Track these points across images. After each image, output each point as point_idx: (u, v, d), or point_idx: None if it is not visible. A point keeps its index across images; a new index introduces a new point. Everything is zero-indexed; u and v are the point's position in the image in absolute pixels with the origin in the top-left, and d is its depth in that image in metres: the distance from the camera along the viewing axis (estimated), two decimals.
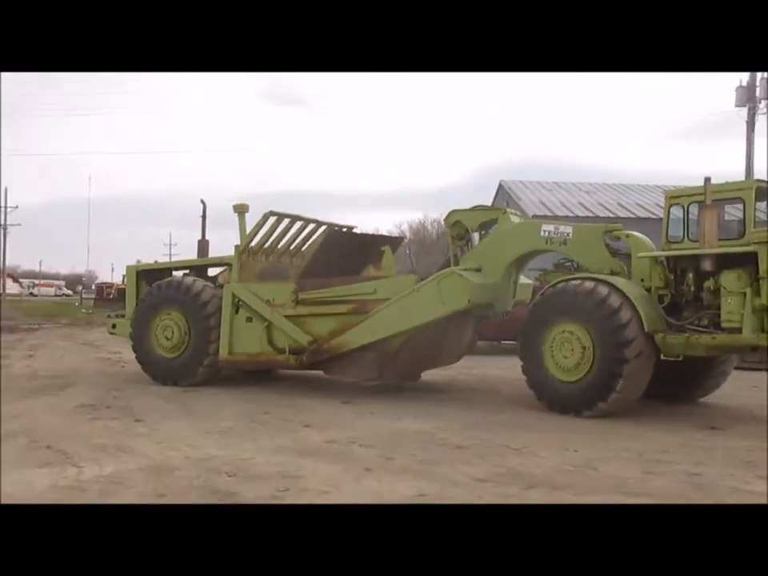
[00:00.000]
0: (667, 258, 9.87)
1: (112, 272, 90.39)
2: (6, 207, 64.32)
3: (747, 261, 8.94)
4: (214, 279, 13.10)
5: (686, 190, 10.42)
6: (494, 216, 11.39)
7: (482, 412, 9.67)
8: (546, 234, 10.67)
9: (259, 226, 12.01)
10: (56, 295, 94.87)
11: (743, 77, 22.26)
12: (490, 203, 29.50)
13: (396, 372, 11.19)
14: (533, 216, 21.57)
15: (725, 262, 9.15)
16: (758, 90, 21.91)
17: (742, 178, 22.17)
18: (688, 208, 10.03)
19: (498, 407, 10.07)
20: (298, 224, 12.73)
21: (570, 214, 22.39)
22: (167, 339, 11.94)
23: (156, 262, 16.07)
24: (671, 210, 10.31)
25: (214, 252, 18.57)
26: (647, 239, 10.35)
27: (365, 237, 13.98)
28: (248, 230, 12.03)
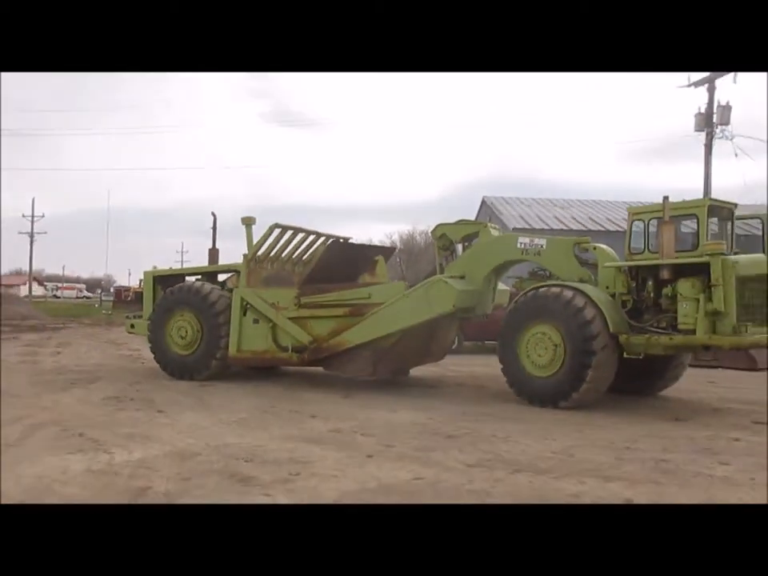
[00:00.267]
0: (630, 267, 9.99)
1: (129, 276, 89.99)
2: (33, 216, 63.77)
3: (701, 270, 9.11)
4: (222, 284, 13.15)
5: (646, 207, 10.56)
6: (476, 229, 11.58)
7: (469, 405, 9.71)
8: (522, 245, 10.84)
9: (265, 236, 12.07)
10: (77, 297, 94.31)
11: (702, 104, 22.48)
12: (473, 216, 29.59)
13: (389, 368, 11.28)
14: (513, 228, 21.66)
15: (681, 271, 9.33)
16: (715, 116, 22.09)
17: (701, 195, 22.34)
18: (648, 223, 10.16)
19: (484, 400, 10.10)
20: (300, 235, 12.80)
21: (546, 227, 22.47)
22: (182, 338, 11.98)
23: (171, 268, 16.09)
24: (633, 224, 10.42)
25: (223, 259, 18.62)
26: (612, 251, 10.52)
27: (361, 247, 14.04)
28: (254, 241, 12.07)
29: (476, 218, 28.00)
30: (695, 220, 9.79)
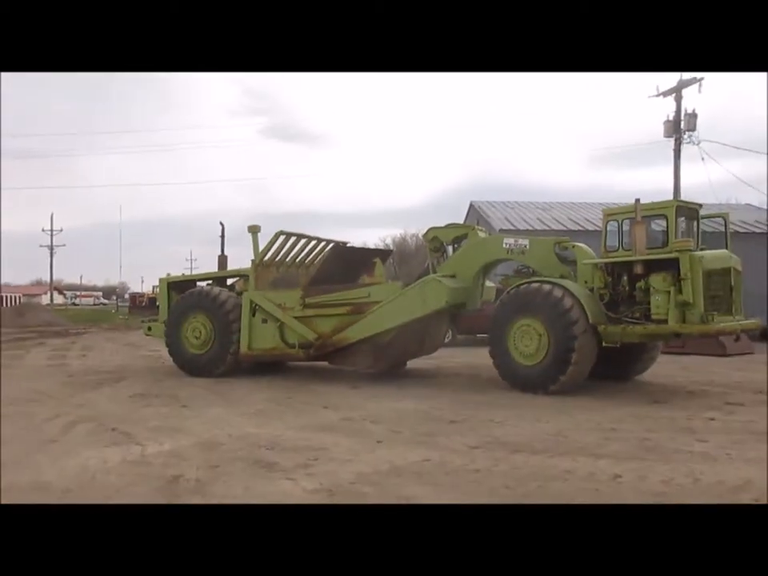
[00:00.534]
0: (606, 264, 10.16)
1: (142, 283, 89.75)
2: (52, 230, 63.59)
3: (671, 265, 9.32)
4: (231, 287, 13.24)
5: (620, 209, 10.72)
6: (465, 232, 11.79)
7: (467, 393, 9.80)
8: (508, 246, 11.05)
9: (271, 243, 12.19)
10: (94, 304, 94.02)
11: (670, 112, 22.63)
12: (460, 219, 29.68)
13: (388, 361, 11.43)
14: (499, 230, 21.74)
15: (652, 266, 9.53)
16: (682, 123, 22.23)
17: (671, 196, 22.49)
18: (622, 223, 10.34)
19: (480, 389, 10.19)
20: (303, 241, 12.92)
21: (530, 228, 22.53)
22: (196, 338, 12.08)
23: (183, 274, 16.12)
24: (608, 224, 10.60)
25: (230, 265, 18.61)
26: (589, 249, 10.73)
27: (360, 251, 14.16)
28: (260, 247, 12.18)
29: (464, 221, 28.07)
30: (665, 220, 9.97)
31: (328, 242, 13.46)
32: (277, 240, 12.19)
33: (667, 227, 9.91)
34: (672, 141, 22.61)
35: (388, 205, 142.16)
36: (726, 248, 10.30)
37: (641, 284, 9.61)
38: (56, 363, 14.59)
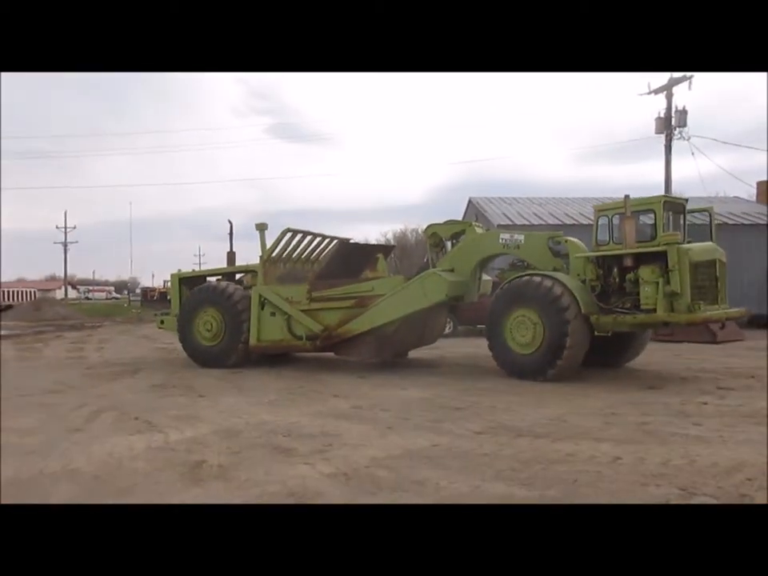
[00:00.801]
0: (597, 257, 10.27)
1: (152, 278, 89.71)
2: (66, 228, 63.62)
3: (659, 258, 9.46)
4: (240, 282, 13.34)
5: (610, 204, 10.85)
6: (463, 228, 11.88)
7: (469, 381, 9.87)
8: (504, 241, 11.18)
9: (278, 240, 12.31)
10: (107, 298, 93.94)
11: (661, 109, 22.62)
12: (459, 215, 29.68)
13: (390, 351, 11.58)
14: (497, 225, 21.77)
15: (642, 258, 9.66)
16: (673, 120, 22.23)
17: (663, 190, 22.54)
18: (612, 218, 10.45)
19: (481, 377, 10.26)
20: (308, 238, 13.02)
21: (527, 223, 22.57)
22: (208, 331, 12.19)
23: (193, 270, 16.19)
24: (599, 219, 10.72)
25: (238, 261, 18.69)
26: (581, 243, 10.84)
27: (364, 246, 14.26)
28: (267, 243, 12.27)
29: (464, 217, 28.10)
30: (653, 214, 10.09)
31: (332, 238, 13.58)
32: (284, 237, 12.31)
33: (655, 221, 10.03)
34: (663, 137, 22.60)
35: (389, 201, 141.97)
36: (711, 240, 10.39)
37: (631, 276, 9.73)
38: (75, 355, 14.69)
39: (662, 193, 22.07)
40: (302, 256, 13.24)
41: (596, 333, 9.82)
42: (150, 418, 7.24)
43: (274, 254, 12.35)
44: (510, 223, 22.07)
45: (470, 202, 28.42)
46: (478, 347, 14.88)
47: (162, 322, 13.80)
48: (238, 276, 13.70)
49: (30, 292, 59.27)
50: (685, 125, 22.33)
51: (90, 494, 4.60)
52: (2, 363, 13.01)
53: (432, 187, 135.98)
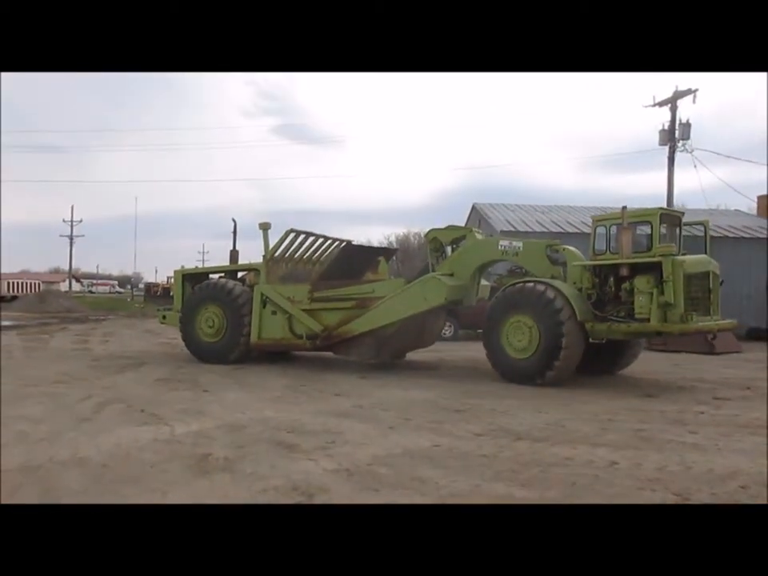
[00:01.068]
0: (594, 266, 10.40)
1: (156, 274, 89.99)
2: (72, 221, 63.76)
3: (654, 268, 9.60)
4: (242, 280, 13.43)
5: (608, 215, 11.00)
6: (463, 233, 12.04)
7: (470, 384, 9.95)
8: (502, 247, 11.32)
9: (282, 240, 12.43)
10: (110, 293, 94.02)
11: (665, 121, 22.69)
12: (463, 219, 29.80)
13: (389, 352, 11.71)
14: (500, 231, 21.86)
15: (637, 269, 9.80)
16: (677, 132, 22.29)
17: (665, 200, 22.60)
18: (609, 228, 10.57)
19: (482, 380, 10.34)
20: (311, 239, 13.14)
21: (530, 230, 22.63)
22: (210, 327, 12.29)
23: (196, 267, 16.28)
24: (597, 229, 10.85)
25: (241, 259, 18.71)
26: (578, 252, 10.98)
27: (367, 249, 14.39)
28: (270, 243, 12.40)
29: (467, 222, 28.21)
30: (649, 226, 10.21)
31: (334, 239, 13.73)
32: (287, 237, 12.44)
33: (651, 233, 10.16)
34: (666, 149, 22.67)
35: (393, 204, 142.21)
36: (706, 253, 10.52)
37: (626, 285, 9.88)
38: (80, 347, 14.80)
39: (664, 204, 22.19)
40: (305, 256, 13.36)
41: (591, 340, 9.96)
42: (155, 410, 7.32)
43: (277, 254, 12.47)
44: (513, 230, 22.16)
45: (473, 207, 28.50)
46: (478, 351, 14.83)
47: (164, 317, 13.92)
48: (240, 274, 13.81)
49: (35, 284, 59.24)
50: (688, 137, 22.39)
51: (99, 481, 4.68)
52: (10, 354, 13.10)
53: (436, 191, 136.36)
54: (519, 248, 11.14)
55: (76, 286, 79.79)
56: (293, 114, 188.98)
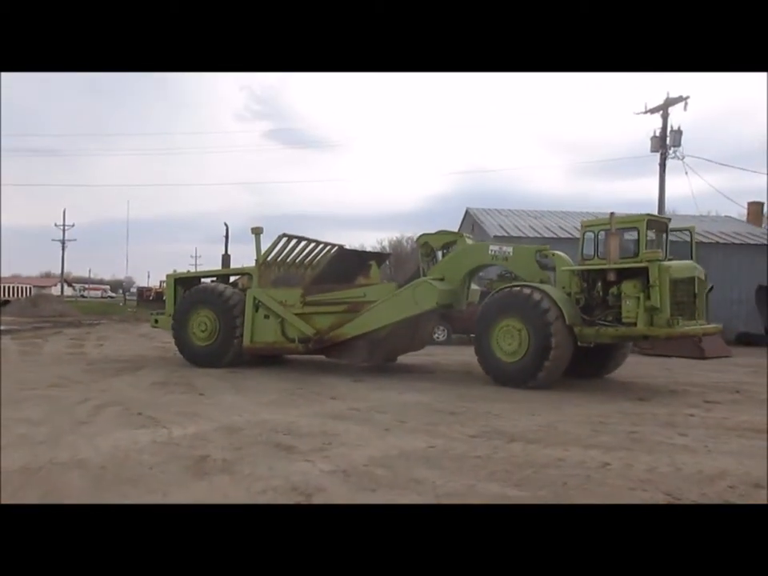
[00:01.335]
0: (582, 270, 10.58)
1: (148, 278, 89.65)
2: (64, 225, 63.59)
3: (641, 273, 9.81)
4: (234, 284, 13.54)
5: (596, 221, 11.17)
6: (454, 238, 12.18)
7: (464, 388, 10.04)
8: (493, 252, 11.49)
9: (274, 244, 12.55)
10: (102, 297, 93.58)
11: (657, 127, 22.93)
12: (456, 224, 29.95)
13: (380, 356, 11.86)
14: (494, 236, 22.03)
15: (624, 274, 10.01)
16: (668, 139, 22.53)
17: (656, 206, 22.82)
18: (598, 234, 10.74)
19: (475, 384, 10.43)
20: (303, 243, 13.25)
21: (523, 235, 22.79)
22: (202, 331, 12.35)
23: (188, 271, 16.35)
24: (585, 235, 11.02)
25: (233, 263, 18.80)
26: (567, 257, 11.16)
27: (360, 253, 14.53)
28: (262, 247, 12.47)
29: (460, 226, 28.35)
30: (636, 232, 10.40)
31: (326, 244, 13.88)
32: (279, 242, 12.59)
33: (638, 239, 10.34)
34: (658, 155, 22.90)
35: (386, 208, 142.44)
36: (692, 258, 10.72)
37: (613, 290, 10.09)
38: (75, 351, 14.81)
39: (656, 210, 22.41)
40: (297, 260, 13.49)
41: (579, 343, 10.13)
42: (153, 413, 7.36)
43: (269, 258, 12.59)
44: (506, 235, 22.32)
45: (467, 212, 28.68)
46: (471, 356, 14.78)
47: (156, 321, 13.95)
48: (232, 278, 13.90)
49: (26, 288, 59.01)
50: (679, 144, 22.63)
51: (99, 483, 4.74)
52: (5, 357, 13.11)
53: (429, 196, 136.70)
54: (509, 253, 11.31)
55: (68, 291, 79.46)
56: (286, 118, 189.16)
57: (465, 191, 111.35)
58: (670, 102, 22.64)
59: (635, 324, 9.63)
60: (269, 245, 12.50)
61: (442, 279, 11.40)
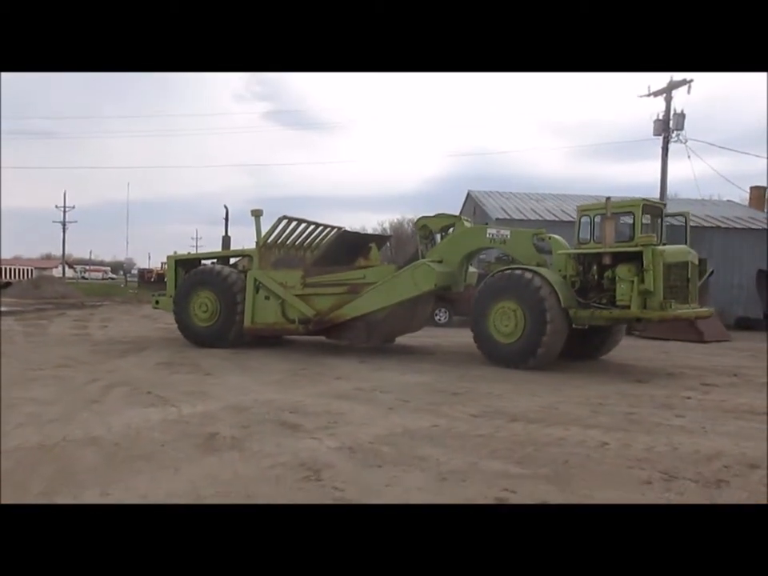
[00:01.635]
0: (578, 254, 10.75)
1: (149, 260, 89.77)
2: (65, 207, 63.55)
3: (635, 257, 9.95)
4: (234, 266, 13.65)
5: (592, 205, 11.33)
6: (452, 221, 12.30)
7: (465, 369, 10.19)
8: (490, 235, 11.66)
9: (274, 226, 12.65)
10: (103, 279, 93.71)
11: (660, 111, 22.85)
12: (458, 206, 29.99)
13: (379, 337, 12.02)
14: (495, 219, 22.08)
15: (619, 257, 10.15)
16: (671, 122, 22.47)
17: (658, 189, 22.83)
18: (594, 218, 10.87)
19: (477, 365, 10.58)
20: (303, 225, 13.36)
21: (524, 218, 22.84)
22: (203, 312, 12.51)
23: (189, 253, 16.46)
24: (582, 219, 11.14)
25: (232, 244, 18.89)
26: (564, 240, 11.32)
27: (360, 236, 14.63)
28: (262, 229, 12.57)
29: (462, 209, 28.38)
30: (631, 216, 10.54)
31: (326, 226, 13.98)
32: (280, 224, 12.69)
33: (633, 223, 10.46)
34: (661, 138, 22.86)
35: (388, 190, 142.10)
36: (686, 243, 10.85)
37: (608, 273, 10.26)
38: (80, 333, 14.95)
39: (657, 193, 22.43)
40: (297, 242, 13.61)
41: (574, 325, 10.34)
42: (161, 392, 7.52)
43: (269, 240, 12.70)
44: (507, 217, 22.36)
45: (468, 195, 28.68)
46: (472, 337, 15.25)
47: (158, 302, 14.08)
48: (232, 260, 14.02)
49: (28, 270, 59.20)
50: (682, 128, 22.56)
51: (113, 459, 4.89)
52: (10, 339, 13.26)
53: (431, 178, 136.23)
54: (506, 236, 11.46)
55: (69, 272, 79.59)
56: (286, 99, 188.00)
57: (466, 174, 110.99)
58: (673, 86, 22.55)
59: (629, 307, 9.82)
60: (269, 227, 12.62)
61: (440, 262, 11.55)
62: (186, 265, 13.76)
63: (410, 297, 11.28)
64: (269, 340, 13.06)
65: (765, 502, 4.29)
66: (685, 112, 22.75)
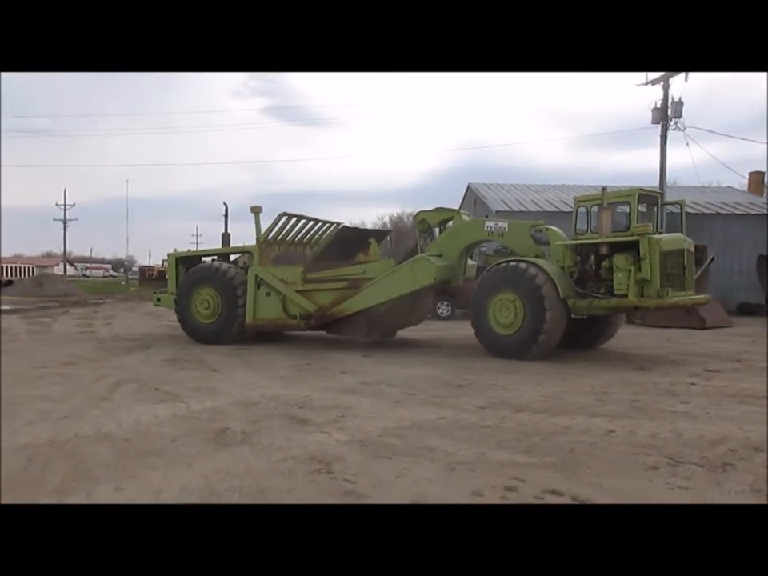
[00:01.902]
0: (575, 245, 10.82)
1: (149, 257, 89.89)
2: (65, 205, 63.52)
3: (632, 247, 10.05)
4: (234, 263, 13.70)
5: (588, 196, 11.41)
6: (450, 215, 12.37)
7: (470, 361, 10.24)
8: (488, 228, 11.72)
9: (275, 223, 12.70)
10: (104, 276, 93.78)
11: (658, 99, 22.82)
12: (456, 200, 30.04)
13: (380, 331, 12.09)
14: (496, 211, 22.09)
15: (616, 247, 10.25)
16: (669, 110, 22.43)
17: (657, 177, 22.81)
18: (590, 209, 10.90)
19: (481, 357, 10.62)
20: (303, 221, 13.42)
21: (525, 210, 22.84)
22: (205, 309, 12.56)
23: (190, 250, 16.50)
24: (578, 210, 11.20)
25: (232, 241, 18.93)
26: (561, 232, 11.38)
27: (360, 231, 14.66)
28: (261, 226, 12.61)
29: (462, 202, 28.43)
30: (628, 206, 10.60)
31: (325, 222, 14.02)
32: (280, 220, 12.75)
33: (630, 213, 10.51)
34: (659, 127, 22.82)
35: (387, 184, 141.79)
36: (682, 231, 10.89)
37: (606, 263, 10.35)
38: (84, 330, 15.00)
39: (657, 181, 22.41)
40: (297, 239, 13.66)
41: (572, 315, 10.41)
42: (169, 389, 7.57)
43: (269, 237, 12.75)
44: (508, 209, 22.38)
45: (468, 187, 28.68)
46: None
47: (159, 299, 14.14)
48: (232, 257, 14.05)
49: (29, 268, 59.19)
50: (680, 116, 22.52)
51: (124, 454, 4.94)
52: (15, 337, 13.31)
53: (430, 171, 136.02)
54: (504, 228, 11.52)
55: (70, 270, 79.64)
56: (285, 95, 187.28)
57: (466, 167, 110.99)
58: (670, 74, 22.49)
59: (626, 295, 9.90)
60: (269, 224, 12.67)
61: (439, 255, 11.59)
62: (186, 262, 13.82)
63: (410, 291, 11.33)
64: (270, 336, 13.11)
65: None
66: (683, 99, 22.72)
